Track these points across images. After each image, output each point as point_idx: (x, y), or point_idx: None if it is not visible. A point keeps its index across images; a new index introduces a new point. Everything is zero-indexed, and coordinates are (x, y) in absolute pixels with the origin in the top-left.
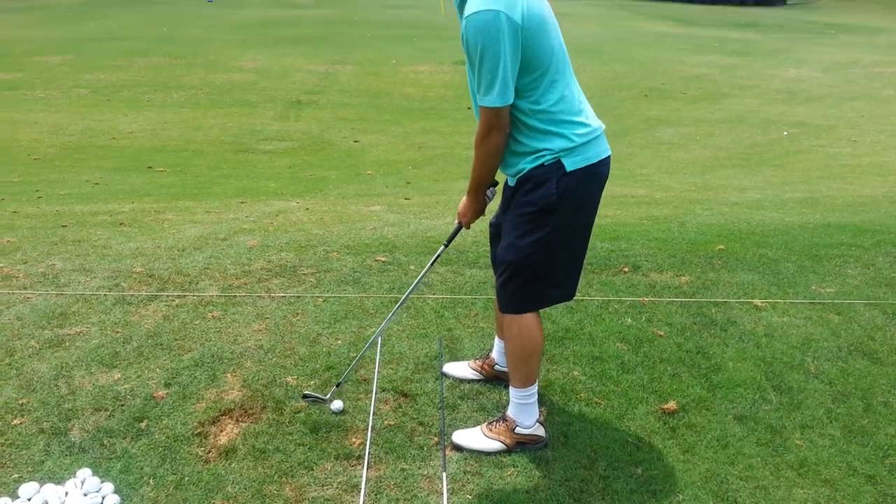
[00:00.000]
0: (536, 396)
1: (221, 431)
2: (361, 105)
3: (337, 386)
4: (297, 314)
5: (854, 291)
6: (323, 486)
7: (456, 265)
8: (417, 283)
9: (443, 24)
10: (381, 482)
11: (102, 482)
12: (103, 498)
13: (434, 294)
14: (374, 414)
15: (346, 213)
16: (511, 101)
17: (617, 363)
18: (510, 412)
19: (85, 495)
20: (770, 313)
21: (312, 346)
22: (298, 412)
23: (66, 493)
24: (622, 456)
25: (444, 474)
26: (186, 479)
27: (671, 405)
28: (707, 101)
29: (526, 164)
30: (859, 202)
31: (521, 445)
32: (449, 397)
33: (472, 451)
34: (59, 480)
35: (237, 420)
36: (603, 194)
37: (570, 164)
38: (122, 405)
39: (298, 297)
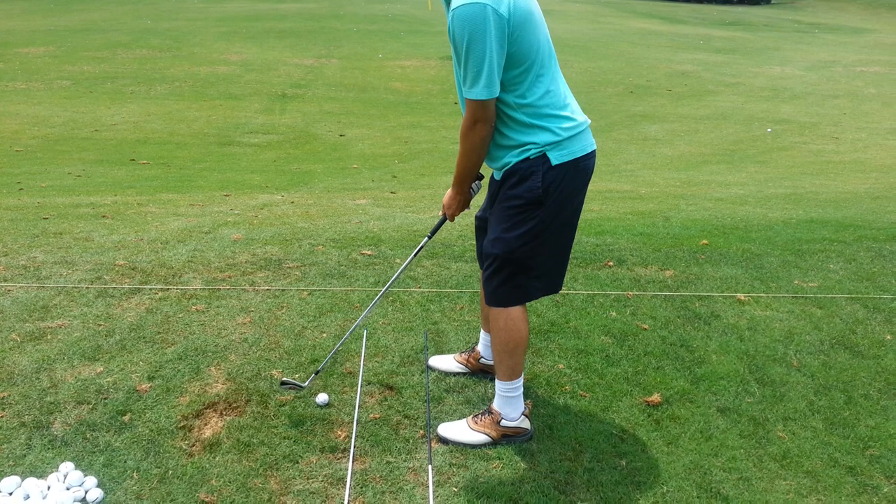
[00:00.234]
0: (522, 389)
1: (205, 425)
2: (347, 99)
3: (315, 374)
4: (282, 307)
5: (836, 286)
6: (308, 479)
7: (441, 259)
8: (400, 273)
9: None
10: (366, 475)
11: (85, 476)
12: (86, 492)
13: (420, 287)
14: (359, 407)
15: (331, 207)
16: (497, 94)
17: (602, 356)
18: (496, 405)
19: (67, 489)
20: (753, 307)
21: (297, 340)
22: (283, 405)
23: (49, 487)
24: (607, 448)
25: (430, 467)
26: (170, 472)
27: (655, 398)
28: (692, 98)
29: (511, 158)
30: (841, 198)
31: (506, 438)
32: (434, 390)
33: (457, 444)
34: (41, 474)
35: (221, 413)
36: (588, 189)
37: (556, 157)
38: (105, 398)
39: (283, 290)
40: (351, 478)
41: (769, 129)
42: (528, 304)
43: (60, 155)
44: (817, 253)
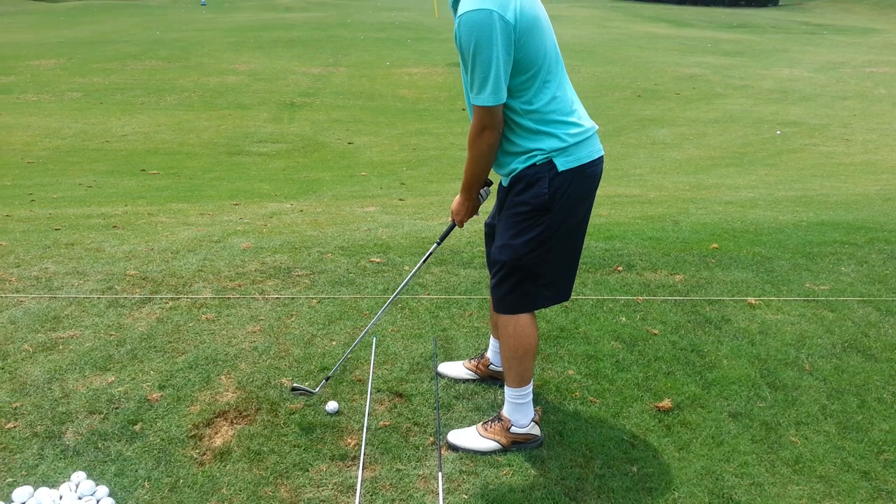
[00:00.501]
0: (531, 396)
1: (216, 433)
2: (355, 107)
3: (326, 380)
4: (292, 315)
5: (848, 288)
6: (318, 487)
7: (450, 265)
8: (409, 279)
9: (436, 26)
10: (376, 483)
11: (97, 485)
12: (98, 501)
13: (429, 294)
14: (369, 414)
15: (340, 215)
16: (504, 101)
17: (612, 362)
18: (505, 411)
19: (79, 499)
20: (764, 311)
21: (307, 348)
22: (293, 413)
23: (61, 497)
24: (618, 454)
25: (440, 474)
26: (181, 481)
27: (666, 403)
28: (700, 101)
29: (518, 165)
30: (852, 200)
31: (516, 445)
32: (444, 397)
33: (467, 451)
34: (54, 484)
35: (232, 422)
36: (597, 193)
37: (562, 163)
38: (116, 408)
39: (293, 298)
40: (361, 486)
41: (778, 132)
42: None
43: (71, 166)
44: (828, 255)
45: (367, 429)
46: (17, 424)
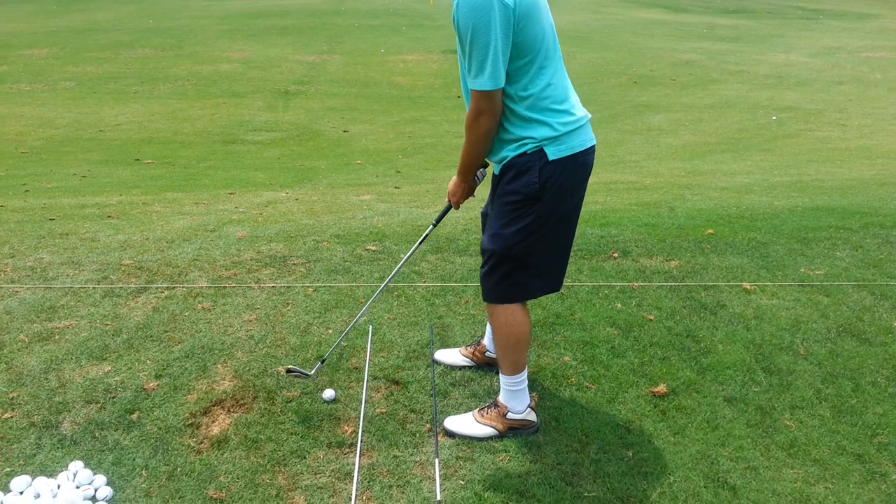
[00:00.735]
0: (526, 382)
1: (213, 422)
2: (350, 95)
3: (321, 362)
4: (288, 304)
5: (843, 273)
6: (316, 474)
7: (446, 253)
8: (405, 261)
9: (431, 13)
10: (373, 469)
11: (95, 474)
12: (96, 490)
13: (424, 282)
14: (365, 402)
15: (335, 203)
16: (502, 85)
17: (607, 348)
18: (501, 398)
19: (77, 488)
20: (759, 296)
21: (303, 336)
22: (290, 401)
23: (59, 486)
24: (613, 439)
25: (437, 460)
26: (179, 469)
27: (661, 388)
28: (696, 87)
29: (509, 153)
30: (847, 185)
31: (512, 431)
32: (440, 384)
33: (464, 437)
34: (51, 473)
35: (229, 410)
36: (593, 181)
37: (553, 153)
38: (113, 397)
39: (288, 287)
40: (358, 472)
41: (774, 117)
42: None
43: (65, 156)
44: (823, 240)
45: (363, 416)
46: (14, 414)
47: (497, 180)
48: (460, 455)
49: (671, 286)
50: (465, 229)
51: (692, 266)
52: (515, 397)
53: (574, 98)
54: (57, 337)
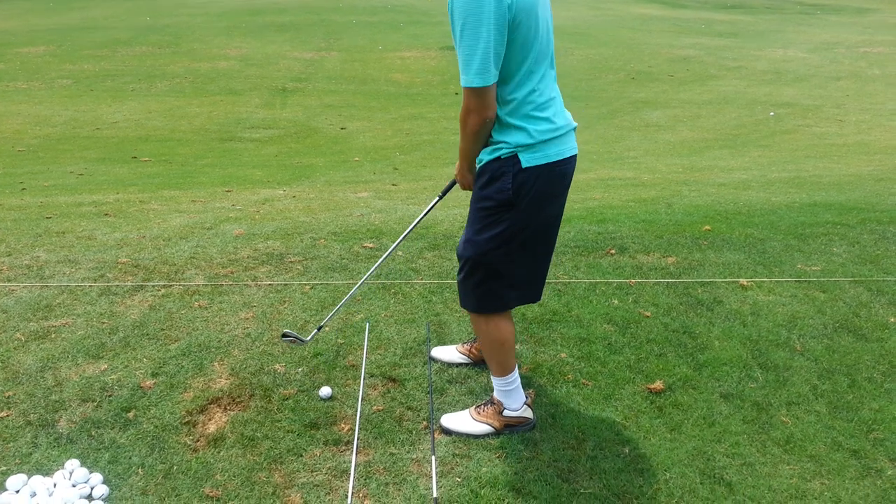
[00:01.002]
0: (518, 381)
1: (210, 420)
2: (348, 92)
3: (318, 329)
4: (284, 302)
5: (839, 269)
6: (312, 471)
7: (443, 250)
8: (415, 225)
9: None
10: (370, 467)
11: (91, 473)
12: (92, 488)
13: (421, 279)
14: (362, 399)
15: (333, 201)
16: (492, 83)
17: (604, 344)
18: (496, 396)
19: (73, 486)
20: (756, 292)
21: (300, 334)
22: (287, 399)
23: (55, 485)
24: (610, 436)
25: (434, 457)
26: (175, 468)
27: (658, 385)
28: (694, 83)
29: (484, 155)
30: (845, 181)
31: (509, 428)
32: (437, 381)
33: (460, 435)
34: (48, 472)
35: (225, 408)
36: (590, 177)
37: (526, 160)
38: (110, 396)
39: (285, 284)
40: (355, 470)
41: (772, 113)
42: None
43: (62, 154)
44: (820, 236)
45: (360, 414)
46: (10, 413)
47: (474, 183)
48: (457, 452)
49: (668, 283)
50: (462, 226)
51: (689, 262)
52: (509, 396)
53: (558, 106)
54: (53, 335)
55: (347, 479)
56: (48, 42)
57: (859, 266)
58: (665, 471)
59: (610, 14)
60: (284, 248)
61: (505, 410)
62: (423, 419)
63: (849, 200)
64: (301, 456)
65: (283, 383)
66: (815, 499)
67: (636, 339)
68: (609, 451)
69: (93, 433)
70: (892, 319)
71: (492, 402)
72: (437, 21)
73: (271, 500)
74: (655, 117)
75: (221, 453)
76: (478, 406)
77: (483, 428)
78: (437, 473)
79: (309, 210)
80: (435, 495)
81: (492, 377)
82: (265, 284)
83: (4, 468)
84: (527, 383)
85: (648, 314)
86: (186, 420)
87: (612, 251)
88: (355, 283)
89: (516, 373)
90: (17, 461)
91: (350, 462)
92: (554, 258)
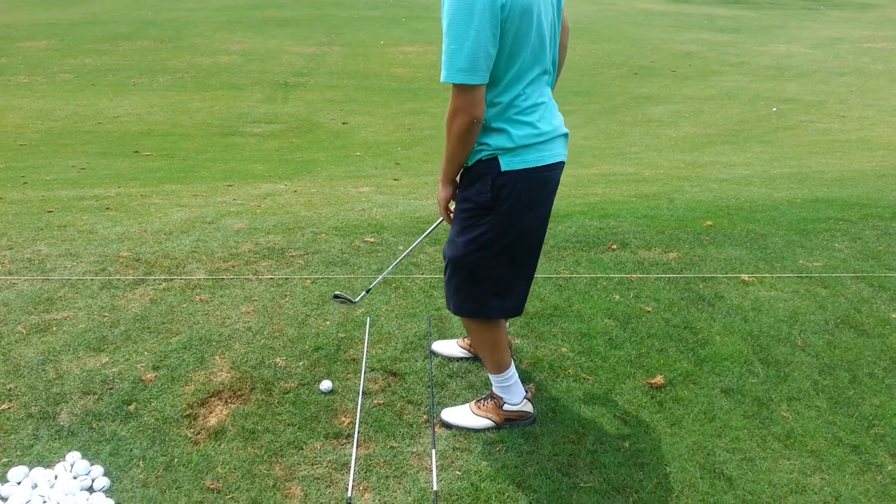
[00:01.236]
0: (516, 376)
1: (210, 413)
2: (350, 87)
3: (366, 291)
4: (286, 296)
5: (841, 265)
6: (313, 464)
7: (444, 244)
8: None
9: (431, 4)
10: (370, 460)
11: (92, 465)
12: (93, 481)
13: (422, 273)
14: (363, 393)
15: (334, 195)
16: (478, 82)
17: (605, 339)
18: (496, 391)
19: (74, 478)
20: (757, 288)
21: (301, 328)
22: (287, 393)
23: (56, 477)
24: (610, 430)
25: (434, 451)
26: (176, 460)
27: (658, 380)
28: (697, 79)
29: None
30: (847, 177)
31: (509, 422)
32: (438, 376)
33: (460, 429)
34: (49, 464)
35: (226, 402)
36: (592, 172)
37: (506, 163)
38: (111, 389)
39: (286, 278)
40: (355, 463)
41: (774, 109)
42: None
43: (64, 148)
44: (822, 232)
45: (360, 407)
46: (11, 405)
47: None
48: (457, 446)
49: (669, 278)
50: None
51: (690, 258)
52: (508, 391)
53: (545, 112)
54: (54, 328)
55: (348, 472)
56: (50, 36)
57: (861, 262)
58: (665, 465)
59: (613, 9)
60: (286, 243)
61: (505, 405)
62: (424, 413)
63: (851, 196)
64: (302, 449)
65: (283, 377)
66: (815, 494)
67: (637, 334)
68: (609, 445)
69: (94, 426)
70: (894, 315)
71: (492, 396)
72: (438, 16)
73: (272, 493)
74: (657, 112)
75: (222, 446)
76: (478, 400)
77: (483, 422)
78: (437, 467)
79: (310, 204)
80: (435, 488)
81: (489, 375)
82: (266, 278)
83: (6, 460)
84: (527, 378)
85: (649, 309)
86: (187, 413)
87: (614, 246)
88: (356, 277)
89: (513, 369)
90: (18, 453)
91: (350, 455)
92: (555, 253)
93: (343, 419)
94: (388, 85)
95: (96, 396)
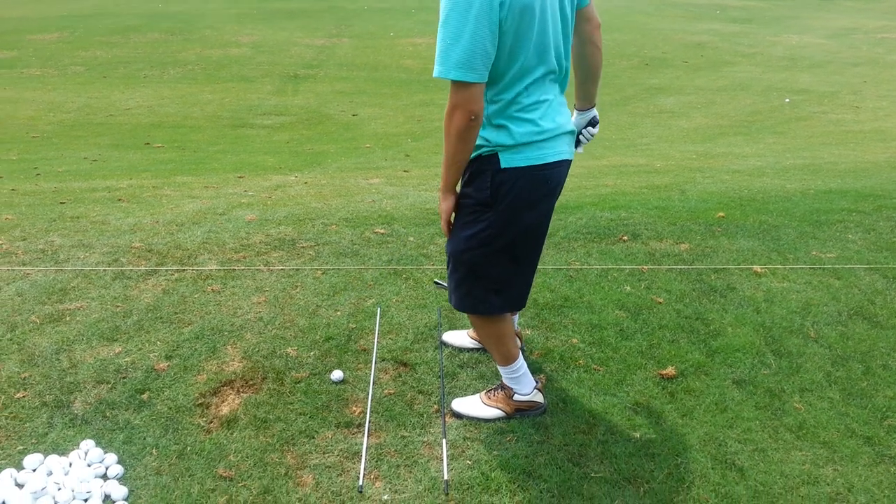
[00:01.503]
0: (525, 367)
1: (223, 402)
2: (359, 78)
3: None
4: (297, 286)
5: (855, 256)
6: (324, 453)
7: None
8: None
9: None
10: (381, 449)
11: (105, 453)
12: (107, 468)
13: (433, 265)
14: (374, 383)
15: (344, 187)
16: (474, 79)
17: (616, 330)
18: (505, 382)
19: (88, 466)
20: (770, 279)
21: (312, 318)
22: (299, 382)
23: (70, 464)
24: (621, 421)
25: (444, 441)
26: (189, 448)
27: (670, 371)
28: (708, 69)
29: None
30: (861, 168)
31: (519, 412)
32: (448, 366)
33: (471, 419)
34: (63, 452)
35: (238, 391)
36: (603, 164)
37: (506, 160)
38: (124, 378)
39: (297, 269)
40: (366, 452)
41: (787, 100)
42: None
43: (76, 140)
44: (836, 223)
45: (371, 397)
46: (26, 394)
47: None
48: (468, 436)
49: (681, 269)
50: None
51: (702, 249)
52: (518, 382)
53: (550, 109)
54: (68, 318)
55: (359, 460)
56: (61, 29)
57: (875, 253)
58: (676, 456)
59: None
60: (296, 234)
61: (515, 395)
62: (435, 403)
63: (865, 187)
64: (313, 438)
65: (295, 366)
66: (828, 485)
67: (648, 326)
68: (620, 435)
69: (107, 414)
70: None
71: (502, 386)
72: None
73: (284, 481)
74: (669, 104)
75: (234, 434)
76: (488, 390)
77: (494, 412)
78: (447, 456)
79: (320, 196)
80: (446, 478)
81: (498, 367)
82: (277, 269)
83: (21, 447)
84: (538, 368)
85: (661, 300)
86: (200, 402)
87: (625, 238)
88: (366, 269)
89: (521, 360)
90: (33, 441)
91: (362, 444)
92: (566, 244)
93: (354, 409)
94: (397, 77)
95: (110, 385)
